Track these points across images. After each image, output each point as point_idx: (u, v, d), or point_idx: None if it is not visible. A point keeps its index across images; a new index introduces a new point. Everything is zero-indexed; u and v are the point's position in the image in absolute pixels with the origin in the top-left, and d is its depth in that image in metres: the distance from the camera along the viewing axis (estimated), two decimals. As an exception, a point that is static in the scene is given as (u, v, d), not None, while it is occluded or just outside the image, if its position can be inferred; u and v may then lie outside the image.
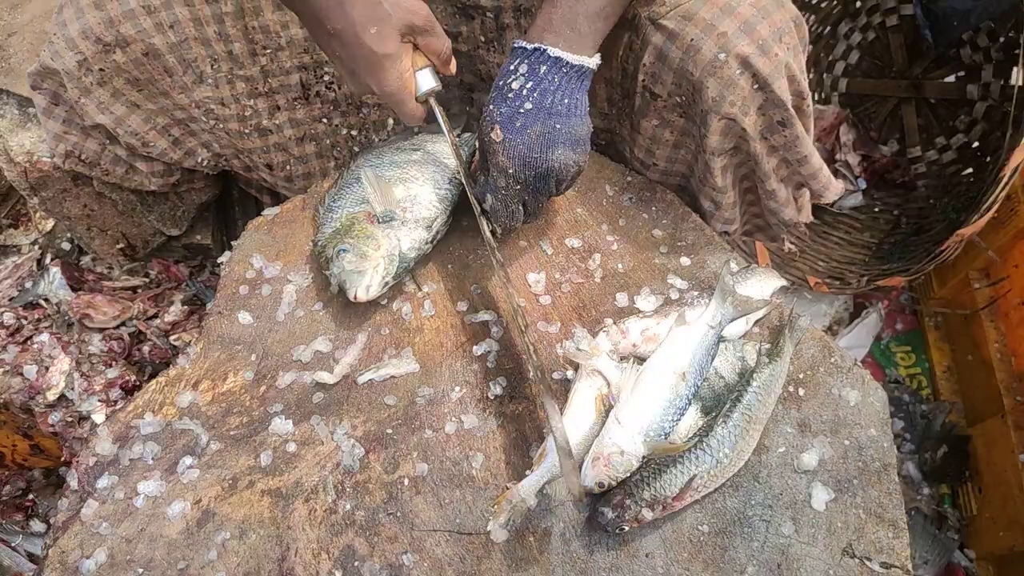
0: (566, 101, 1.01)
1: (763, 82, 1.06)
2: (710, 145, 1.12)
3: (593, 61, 1.02)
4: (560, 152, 1.00)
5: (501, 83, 1.01)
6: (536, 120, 0.99)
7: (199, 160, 1.42)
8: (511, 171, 1.01)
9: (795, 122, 1.10)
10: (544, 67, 0.99)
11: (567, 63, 0.99)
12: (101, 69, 1.22)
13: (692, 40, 1.06)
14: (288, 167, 1.47)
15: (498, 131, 0.99)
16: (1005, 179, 1.53)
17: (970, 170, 2.00)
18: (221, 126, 1.36)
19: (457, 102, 1.49)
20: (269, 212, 1.22)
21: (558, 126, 1.00)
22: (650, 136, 1.21)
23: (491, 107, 1.01)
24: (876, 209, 2.12)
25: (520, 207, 1.06)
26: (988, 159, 1.95)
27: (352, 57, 0.97)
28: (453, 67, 1.08)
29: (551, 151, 1.00)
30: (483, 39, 1.32)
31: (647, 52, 1.12)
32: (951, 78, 2.05)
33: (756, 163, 1.15)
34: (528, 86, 1.00)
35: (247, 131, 1.38)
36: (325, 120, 1.43)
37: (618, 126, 1.30)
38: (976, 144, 2.01)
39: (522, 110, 0.99)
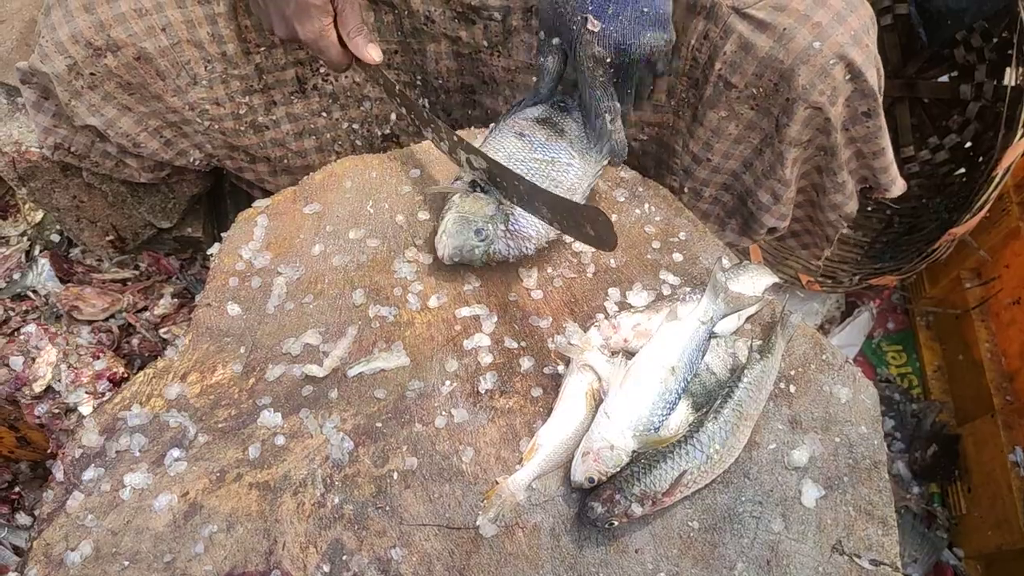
0: None
1: (856, 72, 1.08)
2: (789, 135, 1.13)
3: None
4: (651, 35, 1.00)
5: None
6: (626, 5, 0.99)
7: (191, 160, 1.41)
8: (608, 60, 1.01)
9: (880, 112, 1.13)
10: None
11: None
12: (92, 73, 1.20)
13: (785, 29, 1.08)
14: (286, 161, 1.46)
15: (593, 21, 0.99)
16: (997, 179, 1.53)
17: (963, 170, 2.01)
18: (216, 126, 1.34)
19: (459, 107, 1.49)
20: (260, 204, 1.21)
21: (646, 9, 0.99)
22: (713, 128, 1.22)
23: None
24: (869, 208, 2.12)
25: (616, 100, 1.06)
26: (981, 159, 1.95)
27: (287, 1, 1.06)
28: (373, 53, 1.11)
29: (644, 35, 1.00)
30: (486, 43, 1.31)
31: (729, 41, 1.12)
32: (944, 78, 2.05)
33: (832, 155, 1.17)
34: None
35: (242, 128, 1.37)
36: (325, 114, 1.42)
37: (674, 119, 1.30)
38: (969, 144, 2.01)
39: None
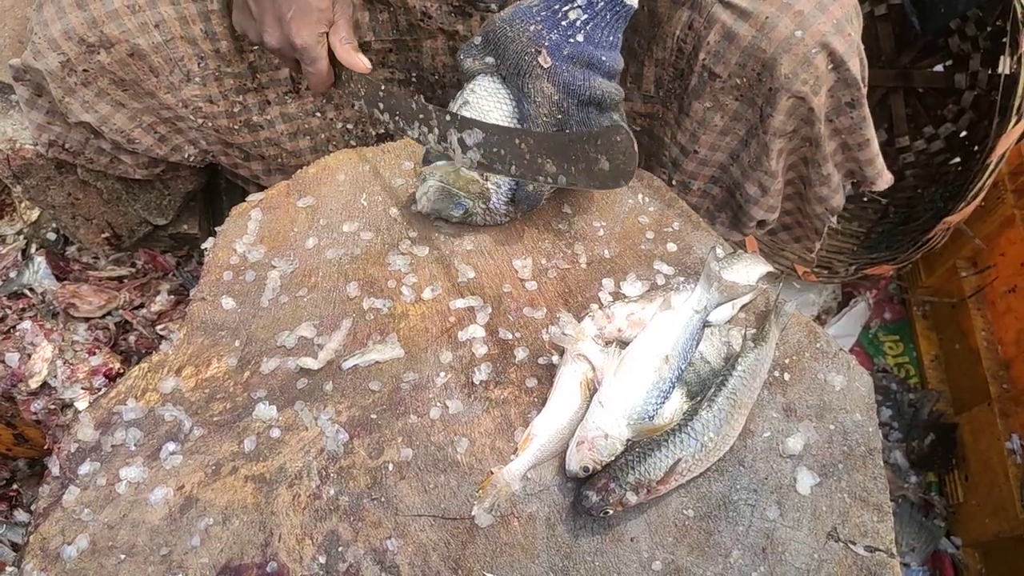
0: (611, 38, 1.02)
1: (838, 61, 1.07)
2: (773, 125, 1.13)
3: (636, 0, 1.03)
4: (601, 82, 1.01)
5: (557, 7, 1.01)
6: (584, 51, 1.00)
7: (186, 155, 1.41)
8: (555, 98, 1.02)
9: (864, 103, 1.12)
10: (602, 2, 1.00)
11: (621, 1, 1.00)
12: (85, 70, 1.20)
13: (767, 18, 1.07)
14: (280, 160, 1.46)
15: (546, 56, 1.00)
16: (992, 167, 1.54)
17: (958, 159, 2.01)
18: (210, 123, 1.34)
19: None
20: (253, 198, 1.21)
21: (603, 58, 1.01)
22: (699, 119, 1.21)
23: (539, 27, 1.00)
24: (864, 198, 2.12)
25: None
26: (975, 148, 1.95)
27: (288, 4, 1.03)
28: (363, 60, 1.10)
29: (594, 80, 1.01)
30: None
31: (712, 31, 1.12)
32: (939, 67, 2.06)
33: (816, 146, 1.17)
34: (584, 18, 1.00)
35: (236, 127, 1.37)
36: (319, 114, 1.42)
37: (662, 110, 1.30)
38: (964, 133, 2.02)
39: (571, 40, 1.00)
